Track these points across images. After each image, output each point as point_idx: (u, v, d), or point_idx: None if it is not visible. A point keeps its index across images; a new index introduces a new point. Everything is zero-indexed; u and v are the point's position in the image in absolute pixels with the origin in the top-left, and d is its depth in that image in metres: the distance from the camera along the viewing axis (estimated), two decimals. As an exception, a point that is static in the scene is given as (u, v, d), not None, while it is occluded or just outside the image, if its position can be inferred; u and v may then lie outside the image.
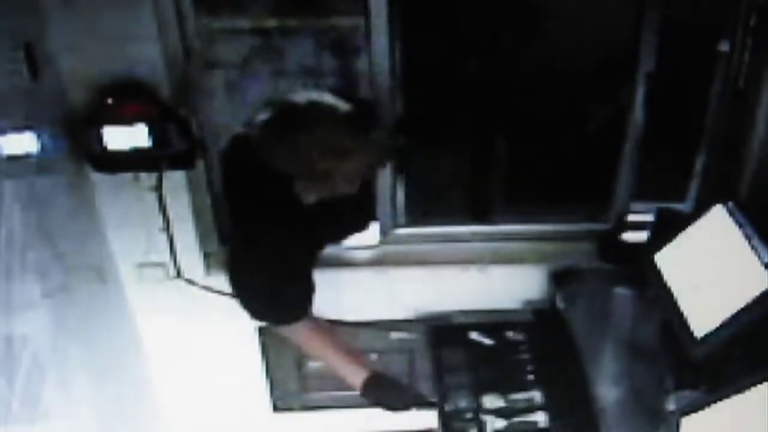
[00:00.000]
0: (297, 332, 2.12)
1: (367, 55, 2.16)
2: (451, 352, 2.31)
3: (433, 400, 2.20)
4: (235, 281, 2.12)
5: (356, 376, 2.14)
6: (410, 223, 2.58)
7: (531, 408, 2.11)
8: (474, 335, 2.35)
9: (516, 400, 2.13)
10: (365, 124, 1.93)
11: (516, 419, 2.08)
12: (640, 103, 2.25)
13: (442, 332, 2.40)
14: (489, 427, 2.06)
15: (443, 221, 2.60)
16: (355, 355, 2.23)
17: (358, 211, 2.39)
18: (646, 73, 2.20)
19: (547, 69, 2.50)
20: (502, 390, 2.16)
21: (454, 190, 2.86)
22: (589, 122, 2.76)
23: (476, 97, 2.58)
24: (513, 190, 2.75)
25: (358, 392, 2.15)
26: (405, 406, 2.16)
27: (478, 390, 2.16)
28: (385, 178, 2.40)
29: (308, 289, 2.10)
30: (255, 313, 2.12)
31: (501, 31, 2.46)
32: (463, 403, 2.13)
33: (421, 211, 2.58)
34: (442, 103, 2.51)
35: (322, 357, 2.21)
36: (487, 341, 2.33)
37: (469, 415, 2.10)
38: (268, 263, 2.00)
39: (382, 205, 2.48)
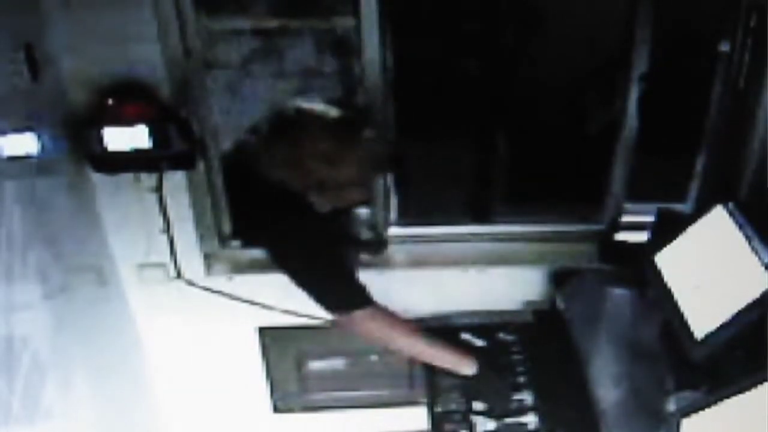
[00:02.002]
0: (371, 322, 2.10)
1: (358, 56, 2.16)
2: None
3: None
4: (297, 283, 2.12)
5: (465, 364, 2.13)
6: (409, 224, 2.58)
7: (522, 410, 2.11)
8: (465, 336, 2.35)
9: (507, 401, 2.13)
10: (355, 129, 1.93)
11: (506, 421, 2.08)
12: (633, 104, 2.25)
13: (434, 333, 2.39)
14: (479, 429, 2.05)
15: (443, 221, 2.60)
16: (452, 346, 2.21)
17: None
18: (640, 75, 2.19)
19: (547, 70, 2.50)
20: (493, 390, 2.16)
21: (454, 191, 2.86)
22: (589, 123, 2.76)
23: (474, 98, 2.58)
24: (513, 191, 2.75)
25: (470, 374, 2.13)
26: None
27: (469, 391, 2.16)
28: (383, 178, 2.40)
29: (350, 278, 2.11)
30: (323, 306, 2.11)
31: (498, 31, 2.47)
32: (453, 405, 2.12)
33: (420, 211, 2.58)
34: (436, 104, 2.52)
35: (414, 347, 2.17)
36: (479, 342, 2.33)
37: (459, 417, 2.09)
38: (300, 265, 2.05)
39: (381, 206, 2.48)
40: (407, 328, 2.15)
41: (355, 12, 2.08)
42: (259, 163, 2.01)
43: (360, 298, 2.08)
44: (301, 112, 1.94)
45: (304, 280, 2.07)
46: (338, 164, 1.89)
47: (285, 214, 2.04)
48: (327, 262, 2.08)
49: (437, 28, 2.44)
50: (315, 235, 2.05)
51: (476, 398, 2.12)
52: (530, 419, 2.08)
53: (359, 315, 2.08)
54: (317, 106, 1.96)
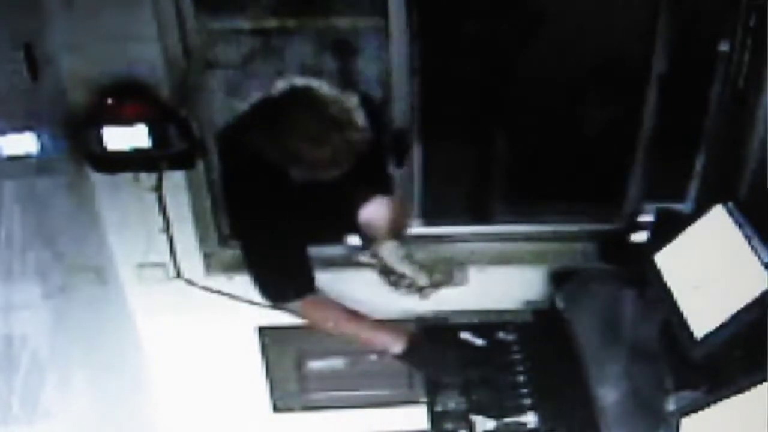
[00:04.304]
0: (310, 310, 2.16)
1: (385, 55, 2.16)
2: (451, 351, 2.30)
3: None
4: (245, 261, 2.16)
5: (394, 341, 2.18)
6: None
7: (521, 409, 2.11)
8: (465, 335, 2.34)
9: (506, 401, 2.13)
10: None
11: (506, 420, 2.08)
12: (652, 104, 2.24)
13: (434, 333, 2.39)
14: (479, 428, 2.05)
15: (443, 221, 2.59)
16: (381, 322, 2.25)
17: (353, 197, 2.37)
18: (659, 75, 2.19)
19: (551, 71, 2.50)
20: (493, 391, 2.16)
21: (457, 190, 2.85)
22: (589, 124, 2.76)
23: (474, 98, 2.58)
24: (517, 191, 2.74)
25: (398, 354, 2.19)
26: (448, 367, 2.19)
27: (469, 390, 2.16)
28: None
29: (302, 268, 2.13)
30: (262, 293, 2.16)
31: (504, 31, 2.46)
32: (453, 404, 2.13)
33: (421, 212, 2.58)
34: (454, 103, 2.51)
35: (348, 330, 2.23)
36: (479, 341, 2.33)
37: (458, 416, 2.10)
38: (251, 244, 2.09)
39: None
40: (343, 314, 2.20)
41: (384, 12, 2.09)
42: (242, 133, 2.00)
43: (297, 289, 2.13)
44: (293, 89, 1.92)
45: (251, 259, 2.11)
46: (319, 144, 1.87)
47: (255, 189, 2.04)
48: (277, 245, 2.08)
49: (453, 28, 2.42)
50: (276, 214, 2.03)
51: (420, 370, 2.21)
52: (530, 419, 2.08)
53: (295, 305, 2.14)
54: (314, 83, 1.94)
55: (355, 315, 2.22)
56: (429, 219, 2.58)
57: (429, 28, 2.21)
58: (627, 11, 2.26)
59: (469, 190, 2.85)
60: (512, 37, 2.48)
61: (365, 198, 2.29)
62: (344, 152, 1.92)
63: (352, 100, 1.96)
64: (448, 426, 2.08)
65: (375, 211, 2.30)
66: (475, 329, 2.37)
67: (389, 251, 2.27)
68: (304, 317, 2.21)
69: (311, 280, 2.15)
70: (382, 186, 2.39)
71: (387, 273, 2.31)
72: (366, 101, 2.05)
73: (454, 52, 2.42)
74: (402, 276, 2.30)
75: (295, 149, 1.87)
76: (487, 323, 2.40)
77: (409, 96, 2.24)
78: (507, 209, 2.68)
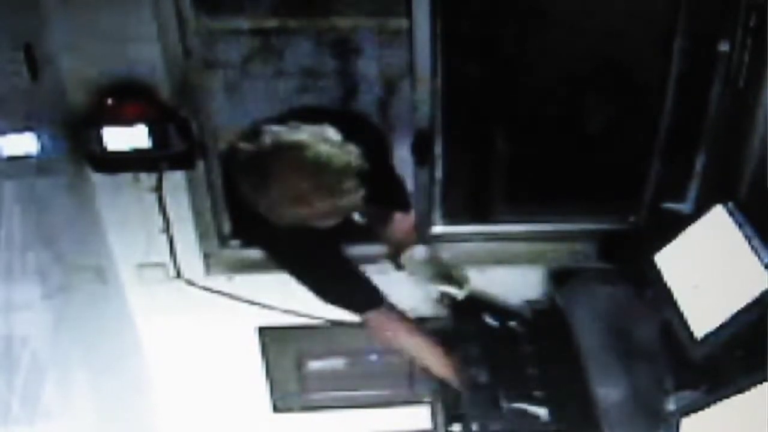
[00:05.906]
0: (378, 324, 2.20)
1: (410, 57, 2.15)
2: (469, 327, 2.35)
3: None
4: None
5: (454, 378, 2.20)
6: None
7: (530, 397, 2.11)
8: (485, 317, 2.36)
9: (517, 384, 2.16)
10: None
11: (515, 405, 2.08)
12: (669, 102, 2.24)
13: (462, 308, 2.43)
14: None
15: (443, 221, 2.59)
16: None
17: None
18: (678, 72, 2.19)
19: (549, 69, 2.50)
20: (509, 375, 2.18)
21: (474, 190, 2.85)
22: (591, 123, 2.76)
23: (476, 97, 2.58)
24: (524, 191, 2.74)
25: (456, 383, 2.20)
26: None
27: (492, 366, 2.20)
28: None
29: (354, 282, 2.15)
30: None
31: (521, 36, 2.47)
32: (482, 378, 2.16)
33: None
34: (475, 104, 2.51)
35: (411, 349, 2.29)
36: (494, 322, 2.35)
37: (487, 388, 2.13)
38: (297, 271, 2.09)
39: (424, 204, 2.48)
40: (412, 332, 2.23)
41: (408, 13, 2.06)
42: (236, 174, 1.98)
43: (364, 301, 2.15)
44: (280, 147, 1.78)
45: (310, 284, 2.09)
46: (302, 205, 1.79)
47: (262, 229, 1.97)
48: (325, 266, 2.10)
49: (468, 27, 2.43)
50: (308, 240, 2.00)
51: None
52: (541, 412, 2.07)
53: (365, 317, 2.17)
54: (307, 139, 1.79)
55: (422, 336, 2.25)
56: (450, 219, 2.58)
57: (452, 30, 2.20)
58: (645, 13, 2.26)
59: (486, 189, 2.86)
60: (523, 41, 2.49)
61: (380, 218, 2.31)
62: (331, 213, 1.88)
63: (349, 157, 1.82)
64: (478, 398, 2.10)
65: (397, 231, 2.37)
66: (494, 311, 2.40)
67: (416, 258, 2.30)
68: (373, 333, 2.27)
69: (372, 293, 2.16)
70: (396, 205, 2.41)
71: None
72: (369, 146, 1.96)
73: (474, 54, 2.42)
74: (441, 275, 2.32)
75: (279, 206, 1.81)
76: (507, 309, 2.43)
77: (431, 97, 2.23)
78: (510, 209, 2.68)
